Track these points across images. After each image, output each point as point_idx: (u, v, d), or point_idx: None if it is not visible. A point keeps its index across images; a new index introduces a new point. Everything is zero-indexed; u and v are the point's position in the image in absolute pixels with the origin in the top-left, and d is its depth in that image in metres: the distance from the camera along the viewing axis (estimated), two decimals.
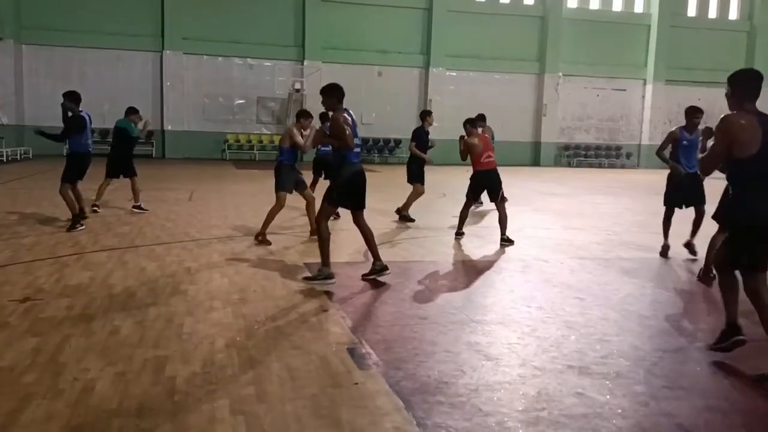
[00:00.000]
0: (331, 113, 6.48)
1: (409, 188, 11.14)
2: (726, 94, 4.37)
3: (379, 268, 6.56)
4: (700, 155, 7.52)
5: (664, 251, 8.25)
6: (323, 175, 11.04)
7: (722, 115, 4.26)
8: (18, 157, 24.06)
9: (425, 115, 11.01)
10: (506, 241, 8.92)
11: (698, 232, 8.04)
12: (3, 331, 4.63)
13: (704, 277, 6.97)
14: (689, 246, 8.14)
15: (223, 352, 4.31)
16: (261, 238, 8.36)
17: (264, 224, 8.45)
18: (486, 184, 9.14)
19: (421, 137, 10.95)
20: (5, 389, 3.62)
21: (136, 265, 6.89)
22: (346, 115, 6.31)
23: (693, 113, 7.85)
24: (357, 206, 6.50)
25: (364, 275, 6.57)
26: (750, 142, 4.09)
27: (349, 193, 6.38)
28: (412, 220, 10.73)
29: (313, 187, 10.82)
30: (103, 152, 12.11)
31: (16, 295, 5.57)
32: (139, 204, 11.06)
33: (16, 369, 3.91)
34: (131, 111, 11.50)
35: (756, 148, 4.08)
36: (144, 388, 3.69)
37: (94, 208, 10.67)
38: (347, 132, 6.18)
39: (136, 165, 11.45)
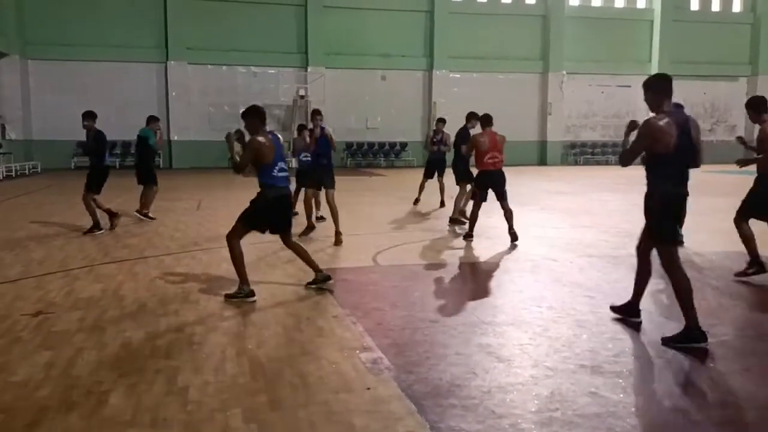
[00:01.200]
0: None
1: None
2: (645, 99, 5.13)
3: (321, 278, 6.33)
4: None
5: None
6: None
7: (645, 119, 5.00)
8: (26, 171, 24.22)
9: (471, 116, 10.88)
10: (513, 235, 8.99)
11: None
12: (16, 345, 4.65)
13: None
14: None
15: (235, 361, 4.32)
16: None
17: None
18: (489, 184, 9.13)
19: (466, 138, 10.84)
20: (20, 404, 3.64)
21: (146, 276, 6.92)
22: (263, 138, 6.01)
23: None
24: (278, 230, 6.22)
25: (307, 283, 6.39)
26: (668, 141, 4.78)
27: (268, 218, 6.09)
28: (464, 222, 10.62)
29: (296, 196, 10.76)
30: (110, 164, 12.13)
31: (28, 309, 5.60)
32: (146, 212, 11.18)
33: (29, 383, 3.93)
34: (152, 119, 11.69)
35: (673, 145, 4.78)
36: (157, 399, 3.70)
37: (149, 216, 11.24)
38: (263, 154, 5.94)
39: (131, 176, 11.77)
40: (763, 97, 7.08)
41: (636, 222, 9.67)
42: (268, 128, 6.25)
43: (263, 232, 6.19)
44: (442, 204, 13.14)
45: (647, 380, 4.01)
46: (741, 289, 6.69)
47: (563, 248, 8.68)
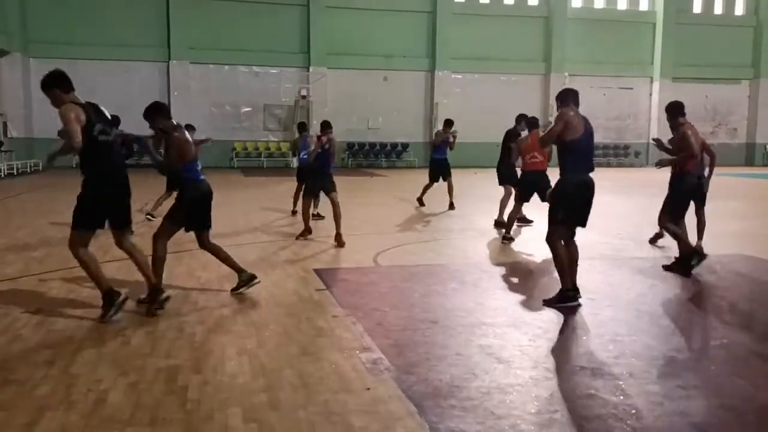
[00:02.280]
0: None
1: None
2: (557, 107, 6.01)
3: (245, 278, 6.14)
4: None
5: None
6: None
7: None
8: (28, 169, 24.24)
9: (521, 118, 10.86)
10: (508, 236, 9.27)
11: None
12: (16, 343, 4.66)
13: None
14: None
15: (235, 360, 4.32)
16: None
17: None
18: (533, 184, 9.30)
19: (514, 139, 10.73)
20: (19, 402, 3.64)
21: None
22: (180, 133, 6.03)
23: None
24: (202, 227, 6.14)
25: (232, 289, 6.21)
26: (577, 127, 5.76)
27: (195, 215, 6.00)
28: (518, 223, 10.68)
29: (297, 195, 11.48)
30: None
31: (28, 307, 5.60)
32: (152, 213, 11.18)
33: (29, 381, 3.93)
34: (189, 128, 11.52)
35: (580, 133, 5.76)
36: (156, 398, 3.70)
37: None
38: (186, 151, 5.93)
39: (144, 174, 11.57)
40: (679, 102, 7.53)
41: (638, 225, 9.73)
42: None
43: (188, 230, 6.07)
44: (452, 206, 13.02)
45: (647, 382, 4.01)
46: (739, 291, 6.69)
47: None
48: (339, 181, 9.36)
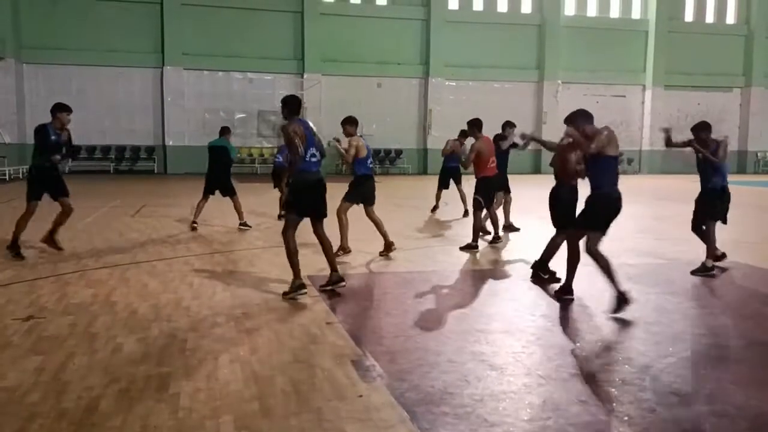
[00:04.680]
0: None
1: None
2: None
3: (335, 279, 6.42)
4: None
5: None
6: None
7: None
8: (20, 175, 24.11)
9: (508, 124, 10.87)
10: (497, 239, 9.50)
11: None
12: (6, 350, 4.62)
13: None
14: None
15: (227, 368, 4.30)
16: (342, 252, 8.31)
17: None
18: (494, 188, 9.30)
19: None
20: (9, 409, 3.61)
21: (138, 282, 6.88)
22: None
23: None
24: (314, 215, 6.47)
25: (321, 286, 6.46)
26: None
27: (305, 203, 6.36)
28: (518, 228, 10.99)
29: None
30: (104, 169, 12.08)
31: (19, 313, 5.56)
32: (244, 221, 10.98)
33: (19, 388, 3.90)
34: (227, 131, 11.47)
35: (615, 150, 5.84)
36: (148, 405, 3.68)
37: (194, 225, 10.82)
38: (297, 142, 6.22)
39: (139, 180, 11.47)
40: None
41: (630, 231, 9.75)
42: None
43: (307, 216, 6.36)
44: (466, 213, 12.83)
45: (639, 389, 4.01)
46: (733, 298, 6.71)
47: (558, 257, 8.65)
48: (334, 187, 9.34)
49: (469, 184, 13.21)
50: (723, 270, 7.76)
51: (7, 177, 22.95)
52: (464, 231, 11.04)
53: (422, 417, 3.54)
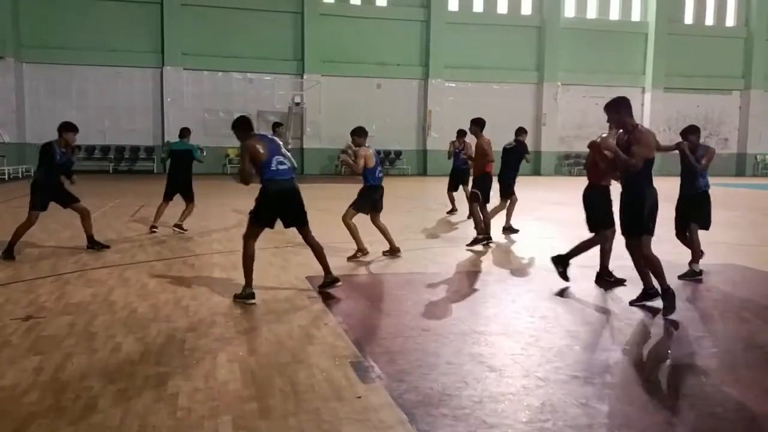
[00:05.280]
0: None
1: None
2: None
3: (330, 280, 6.42)
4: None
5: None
6: None
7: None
8: (20, 175, 24.13)
9: (522, 131, 11.58)
10: (487, 239, 9.43)
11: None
12: (5, 349, 4.62)
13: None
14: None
15: (226, 368, 4.30)
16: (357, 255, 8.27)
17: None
18: (491, 186, 9.56)
19: (525, 150, 11.56)
20: (7, 409, 3.61)
21: (138, 282, 6.88)
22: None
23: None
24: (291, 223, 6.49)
25: (319, 286, 6.48)
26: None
27: (274, 211, 6.30)
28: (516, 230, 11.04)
29: None
30: (103, 169, 12.05)
31: (18, 313, 5.56)
32: (181, 225, 10.57)
33: (18, 388, 3.90)
34: (187, 132, 11.23)
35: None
36: (146, 405, 3.67)
37: (153, 230, 10.46)
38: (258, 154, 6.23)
39: (138, 180, 11.38)
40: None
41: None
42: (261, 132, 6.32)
43: (272, 226, 6.35)
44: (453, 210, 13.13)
45: (638, 391, 4.01)
46: (731, 300, 6.71)
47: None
48: (333, 189, 9.35)
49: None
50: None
51: (6, 176, 22.94)
52: (465, 233, 11.05)
53: (421, 418, 3.54)
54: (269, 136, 6.56)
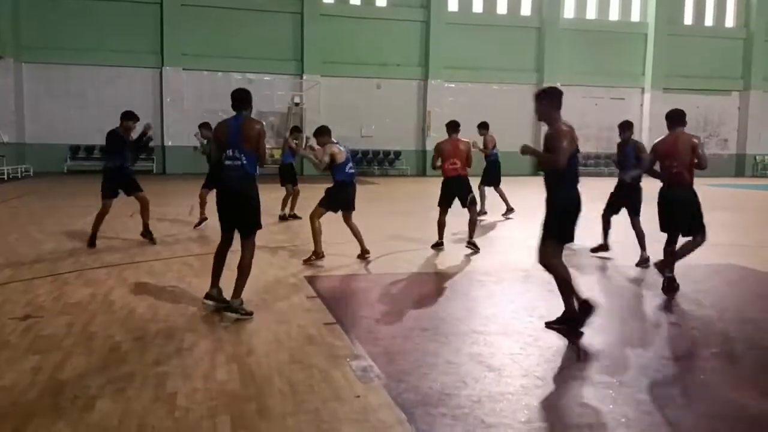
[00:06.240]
0: None
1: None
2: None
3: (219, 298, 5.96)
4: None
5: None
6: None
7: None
8: (19, 175, 24.13)
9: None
10: (472, 246, 9.00)
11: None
12: (3, 349, 4.61)
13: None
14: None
15: (224, 368, 4.29)
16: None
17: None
18: (453, 190, 9.05)
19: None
20: (6, 408, 3.61)
21: (137, 282, 6.88)
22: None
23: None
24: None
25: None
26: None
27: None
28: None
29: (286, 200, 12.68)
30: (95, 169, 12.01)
31: (16, 313, 5.55)
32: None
33: (16, 388, 3.89)
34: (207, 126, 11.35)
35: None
36: (145, 404, 3.67)
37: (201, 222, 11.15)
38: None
39: (138, 180, 11.29)
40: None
41: (627, 234, 9.72)
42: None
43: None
44: (484, 212, 12.90)
45: (637, 391, 4.01)
46: (730, 301, 6.72)
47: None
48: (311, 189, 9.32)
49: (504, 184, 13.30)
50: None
51: (5, 176, 22.93)
52: (465, 233, 11.04)
53: (420, 418, 3.54)
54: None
